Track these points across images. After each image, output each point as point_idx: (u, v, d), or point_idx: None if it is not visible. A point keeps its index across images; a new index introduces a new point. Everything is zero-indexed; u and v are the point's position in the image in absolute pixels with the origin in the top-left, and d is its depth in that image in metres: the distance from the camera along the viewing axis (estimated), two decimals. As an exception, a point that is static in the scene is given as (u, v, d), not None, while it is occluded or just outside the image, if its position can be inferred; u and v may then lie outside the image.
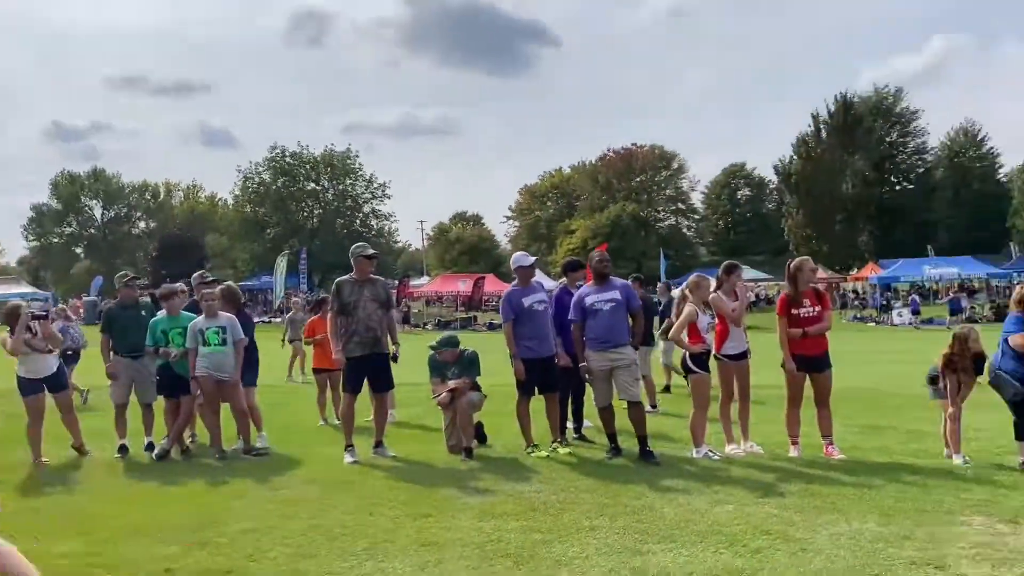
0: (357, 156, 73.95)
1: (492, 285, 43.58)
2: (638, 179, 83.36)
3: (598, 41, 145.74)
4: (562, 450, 7.45)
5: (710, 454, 7.21)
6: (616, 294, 7.31)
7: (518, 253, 8.31)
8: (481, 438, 7.97)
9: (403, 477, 6.76)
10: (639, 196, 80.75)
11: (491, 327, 33.70)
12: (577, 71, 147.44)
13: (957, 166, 70.57)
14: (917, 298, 40.17)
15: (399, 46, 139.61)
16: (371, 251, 7.77)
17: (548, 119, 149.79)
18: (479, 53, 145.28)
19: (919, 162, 68.68)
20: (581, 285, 7.83)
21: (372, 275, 7.73)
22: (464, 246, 78.02)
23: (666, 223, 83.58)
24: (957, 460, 6.82)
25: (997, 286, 43.00)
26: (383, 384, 7.72)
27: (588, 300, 7.33)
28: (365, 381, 7.60)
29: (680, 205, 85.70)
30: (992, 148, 71.47)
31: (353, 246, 7.84)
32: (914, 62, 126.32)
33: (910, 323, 34.38)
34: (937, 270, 42.28)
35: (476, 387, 7.82)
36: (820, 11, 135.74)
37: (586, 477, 6.53)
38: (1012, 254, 53.18)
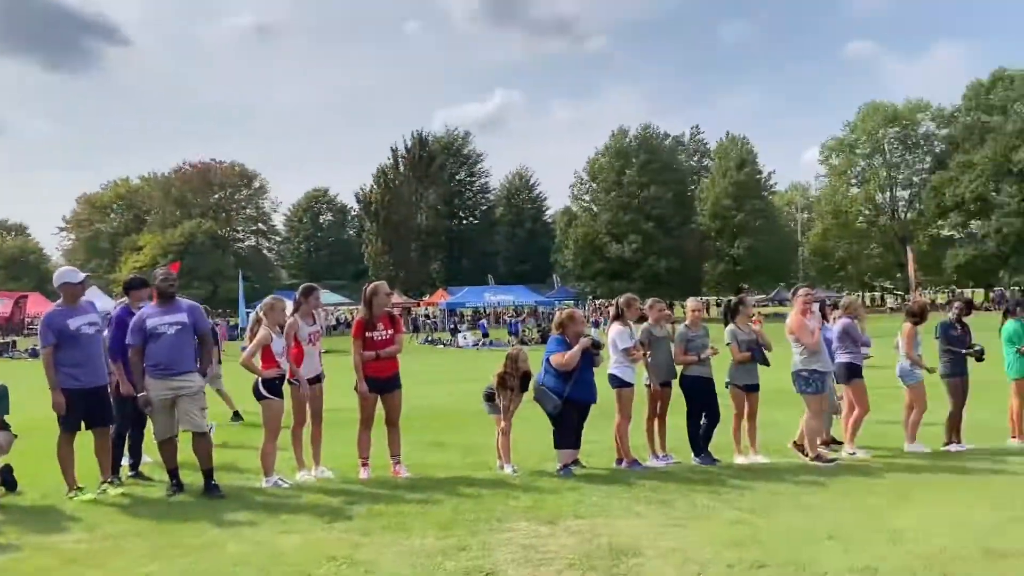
0: None
1: (38, 305, 38.03)
2: (216, 196, 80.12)
3: (176, 47, 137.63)
4: (113, 491, 6.62)
5: (280, 482, 6.99)
6: (183, 316, 6.74)
7: (64, 268, 7.25)
8: (9, 484, 6.78)
9: None
10: (217, 214, 77.67)
11: (34, 354, 29.40)
12: (151, 75, 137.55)
13: (513, 206, 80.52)
14: (485, 322, 44.59)
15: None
16: None
17: (114, 123, 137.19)
18: (27, 41, 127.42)
19: (483, 200, 77.50)
20: (144, 306, 7.09)
21: None
22: (4, 259, 67.96)
23: (246, 243, 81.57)
24: (508, 470, 7.53)
25: (543, 312, 49.34)
26: None
27: (150, 322, 6.64)
28: None
29: (261, 226, 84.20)
30: (541, 192, 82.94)
31: None
32: (480, 110, 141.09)
33: (474, 344, 37.75)
34: (496, 297, 47.54)
35: (4, 426, 6.64)
36: (399, 50, 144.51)
37: (140, 519, 5.88)
38: (555, 284, 62.14)
